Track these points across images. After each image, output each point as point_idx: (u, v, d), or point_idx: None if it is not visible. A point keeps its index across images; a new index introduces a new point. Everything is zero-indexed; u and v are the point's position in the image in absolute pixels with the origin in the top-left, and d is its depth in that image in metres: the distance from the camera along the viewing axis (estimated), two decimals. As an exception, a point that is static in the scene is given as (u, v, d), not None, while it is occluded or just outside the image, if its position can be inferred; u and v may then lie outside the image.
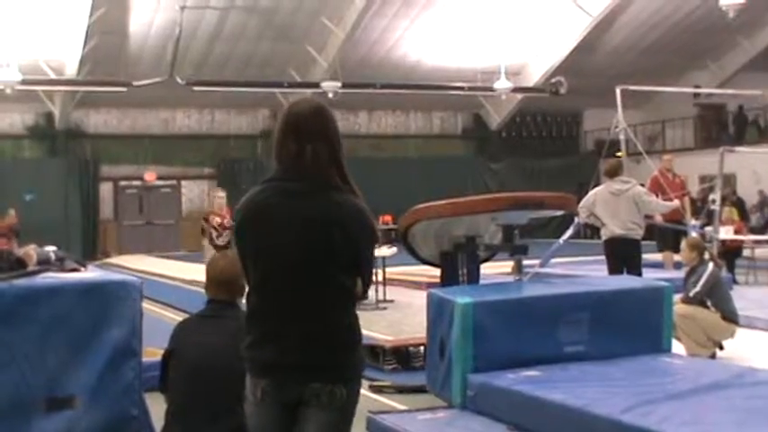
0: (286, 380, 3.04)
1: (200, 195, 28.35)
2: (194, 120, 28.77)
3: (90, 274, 5.24)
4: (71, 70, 23.01)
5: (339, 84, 24.39)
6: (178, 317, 9.14)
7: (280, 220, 3.04)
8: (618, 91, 14.15)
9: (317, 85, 24.72)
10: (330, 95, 24.62)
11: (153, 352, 5.79)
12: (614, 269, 9.61)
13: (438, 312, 6.24)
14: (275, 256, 3.05)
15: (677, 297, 8.01)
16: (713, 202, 13.82)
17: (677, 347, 7.55)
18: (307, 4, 22.16)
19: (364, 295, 3.23)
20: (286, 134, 3.10)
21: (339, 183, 3.10)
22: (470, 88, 27.03)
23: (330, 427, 3.07)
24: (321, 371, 3.03)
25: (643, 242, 10.03)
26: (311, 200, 3.04)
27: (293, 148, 3.07)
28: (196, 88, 24.19)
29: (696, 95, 27.48)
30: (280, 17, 23.20)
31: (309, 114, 3.12)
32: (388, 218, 21.56)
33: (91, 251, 25.25)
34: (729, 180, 24.23)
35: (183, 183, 28.49)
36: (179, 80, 23.38)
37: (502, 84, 25.71)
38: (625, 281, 8.01)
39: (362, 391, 6.95)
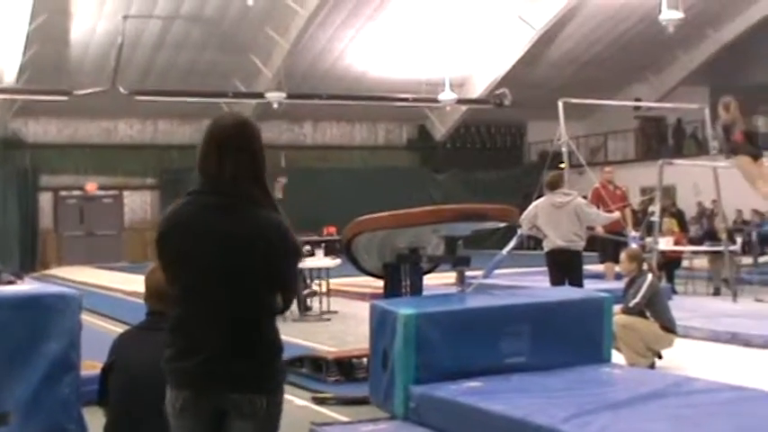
0: (206, 391, 3.06)
1: (143, 206, 28.09)
2: (137, 130, 28.47)
3: (27, 286, 5.16)
4: (10, 78, 22.65)
5: (284, 94, 24.37)
6: (119, 329, 9.03)
7: (200, 234, 3.05)
8: (560, 104, 14.30)
9: (261, 96, 24.70)
10: (275, 106, 24.63)
11: (92, 365, 5.69)
12: (556, 280, 9.71)
13: (381, 324, 6.24)
14: (195, 270, 3.07)
15: (617, 308, 8.12)
16: (653, 213, 14.02)
17: (617, 357, 7.64)
18: (251, 14, 22.08)
19: (285, 309, 3.23)
20: (209, 148, 3.12)
21: (260, 198, 3.10)
22: (415, 99, 27.16)
23: None
24: (241, 382, 3.05)
25: (584, 253, 10.15)
26: (232, 214, 3.05)
27: (215, 162, 3.09)
28: (139, 98, 23.99)
29: (637, 108, 27.90)
30: (224, 27, 23.10)
31: (232, 129, 3.14)
32: (332, 229, 21.58)
33: (30, 262, 24.85)
34: (669, 192, 24.58)
35: (125, 193, 28.16)
36: (121, 89, 23.16)
37: (446, 95, 25.86)
38: (565, 292, 8.08)
39: (305, 403, 6.98)
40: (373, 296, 10.80)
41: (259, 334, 3.10)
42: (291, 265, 3.20)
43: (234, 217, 3.05)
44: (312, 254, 13.78)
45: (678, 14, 21.29)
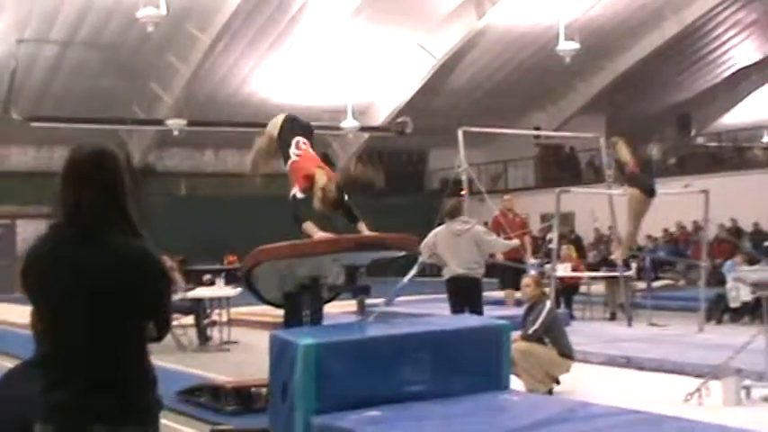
0: (72, 423, 2.97)
1: (38, 236, 27.33)
2: (31, 156, 27.74)
3: None
4: None
5: (184, 121, 24.11)
6: (10, 363, 8.75)
7: (59, 268, 3.00)
8: (460, 132, 14.44)
9: (161, 123, 24.37)
10: (175, 133, 24.34)
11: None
12: (456, 307, 9.78)
13: (280, 354, 6.18)
14: (57, 304, 3.01)
15: (516, 334, 8.21)
16: (550, 241, 14.26)
17: (516, 384, 7.72)
18: (151, 40, 21.82)
19: (159, 338, 3.17)
20: (66, 179, 3.07)
21: (124, 227, 3.04)
22: (317, 127, 27.01)
23: None
24: (107, 414, 2.98)
25: (484, 280, 10.25)
26: (91, 245, 2.99)
27: (72, 193, 3.03)
28: (34, 124, 23.42)
29: (536, 136, 28.44)
30: (123, 53, 22.75)
31: (90, 159, 3.08)
32: (233, 257, 21.37)
33: None
34: (568, 218, 25.12)
35: (19, 222, 27.33)
36: (15, 115, 22.59)
37: (349, 123, 25.96)
38: (464, 320, 8.14)
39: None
40: (275, 325, 10.70)
41: (127, 364, 3.03)
42: (159, 291, 3.13)
43: (93, 248, 2.99)
44: (213, 283, 13.63)
45: (575, 45, 21.90)
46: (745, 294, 13.66)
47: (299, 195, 6.85)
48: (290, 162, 7.08)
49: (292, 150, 7.12)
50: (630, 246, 13.90)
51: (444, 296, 10.26)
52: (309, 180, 6.85)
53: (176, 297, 11.47)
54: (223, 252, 22.87)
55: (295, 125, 7.39)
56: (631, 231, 13.15)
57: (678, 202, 15.77)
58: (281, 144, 7.27)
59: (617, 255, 14.08)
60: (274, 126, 7.55)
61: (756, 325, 10.79)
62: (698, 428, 5.48)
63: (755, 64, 29.99)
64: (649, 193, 12.59)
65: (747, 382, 7.88)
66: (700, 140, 31.51)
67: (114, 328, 3.01)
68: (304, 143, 7.16)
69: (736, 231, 21.83)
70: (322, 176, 6.85)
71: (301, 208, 6.89)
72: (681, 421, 5.55)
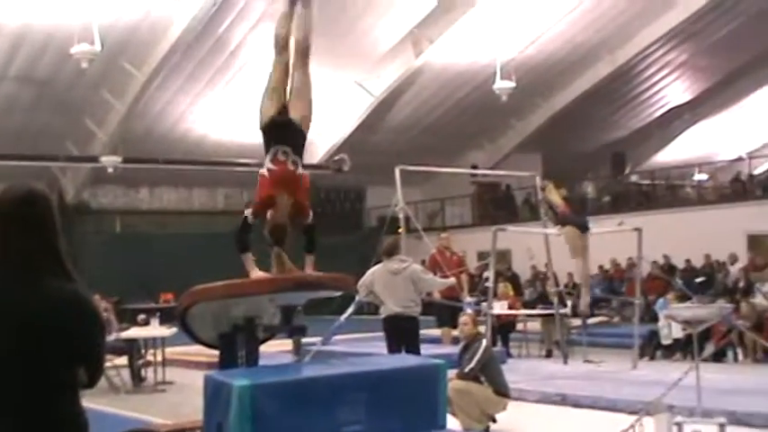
0: None
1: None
2: (-39, 194, 27.20)
3: None
4: None
5: (119, 158, 23.84)
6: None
7: None
8: (397, 170, 14.51)
9: (95, 159, 24.09)
10: (110, 170, 24.06)
11: None
12: (393, 346, 9.76)
13: (215, 396, 6.09)
14: None
15: (452, 373, 8.22)
16: (487, 279, 14.35)
17: (453, 423, 7.72)
18: (86, 76, 21.58)
19: (91, 384, 3.11)
20: None
21: (56, 270, 2.99)
22: (255, 164, 27.04)
23: None
24: None
25: (421, 318, 10.26)
26: (19, 289, 2.93)
27: (3, 236, 2.96)
28: (-36, 161, 23.00)
29: (473, 174, 28.68)
30: (57, 89, 22.45)
31: (20, 201, 3.03)
32: (169, 296, 21.12)
33: None
34: (505, 256, 25.30)
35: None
36: (-58, 152, 22.19)
37: (286, 160, 25.90)
38: (401, 359, 8.13)
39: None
40: (210, 365, 10.59)
41: (57, 410, 2.96)
42: (92, 336, 3.07)
43: (24, 292, 2.92)
44: (147, 322, 13.44)
45: (510, 84, 22.21)
46: (677, 331, 13.88)
47: (250, 219, 6.45)
48: (259, 172, 6.42)
49: (267, 160, 6.42)
50: (588, 283, 14.04)
51: (381, 335, 10.24)
52: (267, 204, 6.28)
53: (110, 338, 11.29)
54: (158, 290, 22.57)
55: (285, 130, 6.60)
56: (584, 269, 13.29)
57: (612, 240, 15.99)
58: (264, 142, 6.47)
59: (583, 303, 14.11)
60: (263, 114, 6.68)
61: (688, 361, 10.95)
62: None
63: (687, 103, 30.66)
64: (582, 229, 12.80)
65: (679, 418, 7.98)
66: (633, 178, 32.05)
67: (44, 374, 2.94)
68: (284, 153, 6.46)
69: (668, 268, 22.18)
70: (282, 205, 6.28)
71: (246, 234, 6.51)
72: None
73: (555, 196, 13.14)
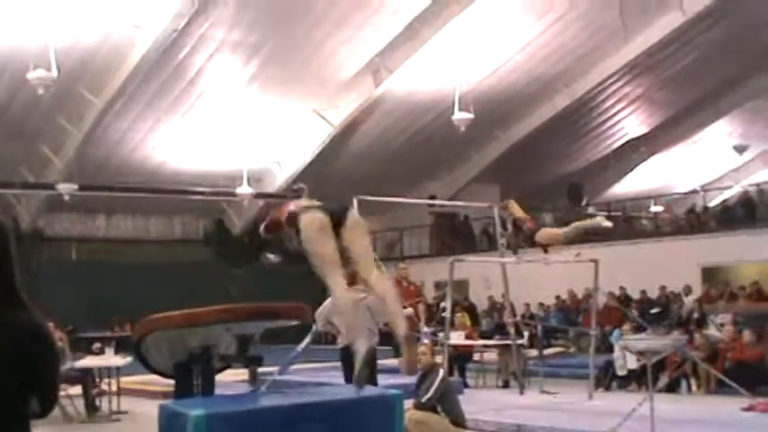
0: None
1: None
2: None
3: None
4: None
5: (75, 186, 23.61)
6: None
7: None
8: (355, 201, 14.51)
9: (51, 187, 23.84)
10: (66, 197, 23.82)
11: None
12: (351, 376, 9.71)
13: (170, 426, 6.03)
14: None
15: (409, 403, 8.21)
16: (444, 309, 14.36)
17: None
18: (42, 103, 21.41)
19: (44, 414, 3.06)
20: None
21: (9, 299, 2.95)
22: (212, 193, 26.99)
23: None
24: None
25: (379, 348, 10.22)
26: None
27: None
28: None
29: (431, 205, 28.77)
30: (12, 115, 22.20)
31: None
32: (125, 325, 20.89)
33: None
34: (462, 286, 25.37)
35: None
36: None
37: (244, 189, 25.86)
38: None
39: None
40: (166, 395, 10.47)
41: None
42: (45, 365, 3.02)
43: None
44: (102, 351, 13.29)
45: (469, 115, 22.35)
46: (632, 362, 13.97)
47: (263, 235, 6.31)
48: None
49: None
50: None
51: (339, 364, 10.20)
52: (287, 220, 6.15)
53: (64, 367, 11.14)
54: (114, 319, 22.33)
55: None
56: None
57: (569, 271, 16.11)
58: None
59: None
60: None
61: (642, 392, 11.01)
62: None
63: (643, 136, 31.06)
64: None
65: (635, 448, 8.04)
66: (590, 210, 32.29)
67: None
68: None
69: (624, 299, 22.36)
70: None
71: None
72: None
73: (518, 210, 13.01)
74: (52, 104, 21.95)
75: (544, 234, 12.53)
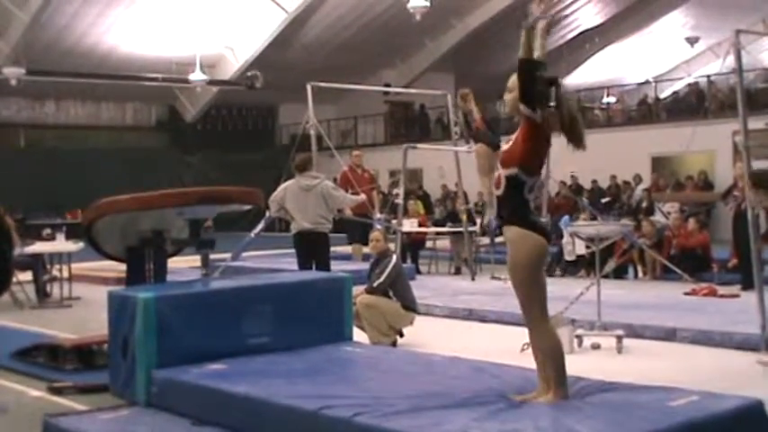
0: None
1: None
2: None
3: None
4: None
5: (23, 70, 23.11)
6: None
7: None
8: (309, 87, 14.42)
9: (-3, 71, 23.33)
10: (13, 82, 23.34)
11: None
12: (304, 262, 9.81)
13: (120, 310, 6.08)
14: None
15: (360, 288, 8.32)
16: (397, 196, 14.42)
17: (361, 336, 7.83)
18: (-13, -16, 20.83)
19: None
20: None
21: None
22: (165, 79, 26.57)
23: None
24: None
25: (332, 235, 10.31)
26: None
27: None
28: None
29: (386, 93, 28.61)
30: (-44, -3, 21.60)
31: None
32: (75, 212, 20.79)
33: None
34: (416, 175, 25.47)
35: None
36: None
37: (197, 76, 25.51)
38: (307, 273, 8.21)
39: (41, 393, 6.69)
40: (118, 281, 10.50)
41: None
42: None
43: None
44: (53, 238, 13.23)
45: (425, 3, 22.01)
46: (581, 248, 14.18)
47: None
48: None
49: None
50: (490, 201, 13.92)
51: (292, 251, 10.27)
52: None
53: (14, 253, 11.08)
54: (64, 206, 22.18)
55: None
56: (490, 187, 13.08)
57: (521, 160, 16.19)
58: None
59: (487, 220, 14.27)
60: None
61: (591, 278, 11.26)
62: (533, 375, 5.68)
63: (598, 27, 30.95)
64: (494, 148, 12.81)
65: (580, 331, 8.24)
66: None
67: None
68: None
69: (576, 188, 22.60)
70: None
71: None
72: (515, 369, 5.75)
73: (474, 106, 13.03)
74: (-4, -14, 21.34)
75: (479, 152, 12.55)
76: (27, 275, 12.19)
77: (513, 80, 4.94)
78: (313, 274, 7.83)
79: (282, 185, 10.21)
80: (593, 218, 14.44)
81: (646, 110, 27.93)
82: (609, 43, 32.39)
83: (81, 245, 11.93)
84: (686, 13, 31.37)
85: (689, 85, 28.75)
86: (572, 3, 29.03)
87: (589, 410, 4.58)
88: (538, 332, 5.00)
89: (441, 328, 9.75)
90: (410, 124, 31.58)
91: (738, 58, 7.92)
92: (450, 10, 26.50)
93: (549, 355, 4.88)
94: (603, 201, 21.46)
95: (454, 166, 15.29)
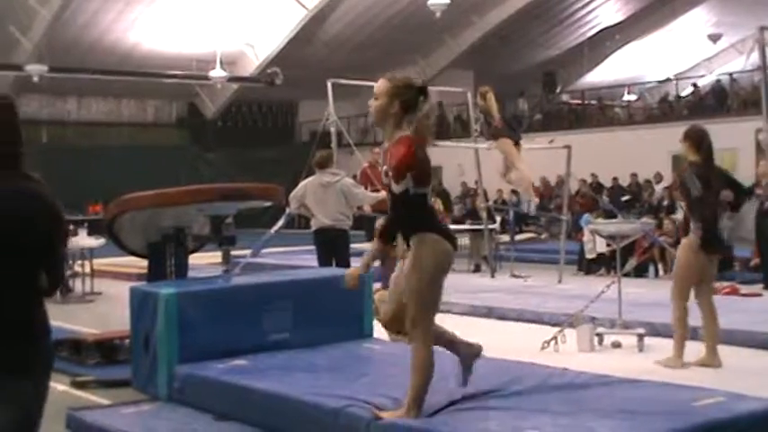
0: None
1: None
2: None
3: None
4: None
5: (45, 67, 23.25)
6: None
7: None
8: (329, 84, 14.43)
9: (20, 68, 23.44)
10: (35, 79, 23.47)
11: None
12: (323, 259, 9.83)
13: (141, 305, 6.13)
14: None
15: (379, 284, 8.33)
16: (417, 193, 14.35)
17: (381, 332, 7.84)
18: (10, -19, 20.95)
19: (53, 290, 3.09)
20: None
21: (21, 171, 2.98)
22: (185, 76, 26.66)
23: (12, 424, 2.94)
24: None
25: (352, 232, 10.31)
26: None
27: None
28: None
29: (405, 90, 28.53)
30: (-21, -5, 21.74)
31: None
32: (97, 207, 20.89)
33: None
34: (436, 172, 25.39)
35: None
36: None
37: (217, 73, 25.58)
38: (328, 270, 8.22)
39: (65, 387, 6.72)
40: (140, 277, 10.57)
41: (18, 315, 2.94)
42: (52, 238, 3.04)
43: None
44: (75, 233, 13.30)
45: (445, 0, 22.01)
46: (601, 246, 14.15)
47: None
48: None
49: None
50: (530, 189, 13.75)
51: (312, 248, 10.29)
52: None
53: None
54: (86, 202, 22.29)
55: None
56: (526, 172, 12.85)
57: (542, 157, 16.16)
58: None
59: (533, 206, 14.27)
60: None
61: (611, 276, 11.22)
62: (555, 373, 5.69)
63: (618, 24, 30.82)
64: (514, 142, 12.72)
65: (600, 329, 8.23)
66: (564, 98, 32.26)
67: (8, 279, 2.91)
68: None
69: (596, 186, 22.52)
70: None
71: None
72: (537, 367, 5.76)
73: (493, 105, 12.94)
74: (20, -17, 21.47)
75: (504, 145, 12.40)
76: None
77: (379, 85, 4.61)
78: (333, 271, 7.83)
79: (302, 182, 10.23)
80: (612, 216, 14.40)
81: (667, 107, 27.80)
82: (630, 40, 32.22)
83: (103, 241, 12.02)
84: (708, 10, 31.15)
85: (711, 82, 28.56)
86: (591, 1, 28.93)
87: (610, 409, 4.57)
88: (418, 341, 4.67)
89: (460, 325, 9.72)
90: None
91: (763, 54, 7.88)
92: (471, 6, 26.45)
93: (418, 367, 4.57)
94: (624, 199, 21.37)
95: (474, 163, 15.27)
